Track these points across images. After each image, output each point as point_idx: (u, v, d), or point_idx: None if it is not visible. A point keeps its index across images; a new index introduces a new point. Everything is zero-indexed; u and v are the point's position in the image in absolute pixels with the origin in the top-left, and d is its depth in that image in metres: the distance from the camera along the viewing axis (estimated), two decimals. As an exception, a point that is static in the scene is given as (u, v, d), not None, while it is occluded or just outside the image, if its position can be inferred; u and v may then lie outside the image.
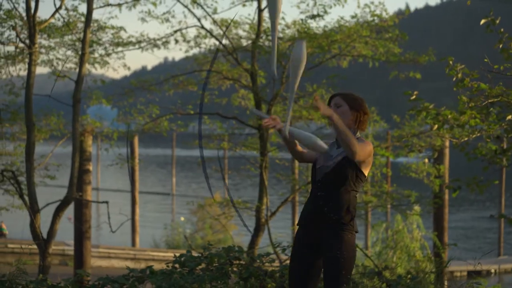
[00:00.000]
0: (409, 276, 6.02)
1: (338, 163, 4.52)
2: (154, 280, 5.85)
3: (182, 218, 25.67)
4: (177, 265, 6.16)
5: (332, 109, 4.52)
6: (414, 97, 7.35)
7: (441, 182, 11.43)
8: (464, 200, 36.66)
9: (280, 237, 17.44)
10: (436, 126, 7.40)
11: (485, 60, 6.54)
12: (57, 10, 10.16)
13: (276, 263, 6.79)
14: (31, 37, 9.90)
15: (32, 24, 9.89)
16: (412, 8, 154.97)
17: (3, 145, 12.58)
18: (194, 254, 6.25)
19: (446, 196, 13.32)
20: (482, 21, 7.32)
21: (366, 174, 4.61)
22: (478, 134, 7.49)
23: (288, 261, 9.93)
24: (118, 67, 12.96)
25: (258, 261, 6.13)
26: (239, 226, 21.79)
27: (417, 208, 12.37)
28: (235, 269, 6.07)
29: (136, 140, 24.49)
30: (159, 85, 12.52)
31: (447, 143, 12.16)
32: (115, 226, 11.64)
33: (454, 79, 7.23)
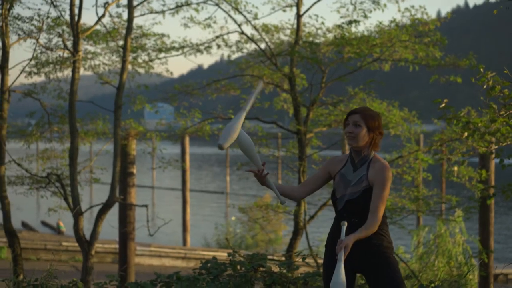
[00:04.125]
0: (432, 285, 6.03)
1: (362, 194, 4.54)
2: (179, 286, 6.02)
3: (233, 218, 25.87)
4: (203, 271, 6.32)
5: (351, 127, 4.56)
6: (443, 105, 7.34)
7: (482, 187, 11.29)
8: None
9: (318, 241, 17.51)
10: (465, 134, 7.38)
11: (505, 71, 6.49)
12: (99, 19, 10.44)
13: (303, 270, 6.87)
14: (75, 45, 10.18)
15: (76, 32, 10.17)
16: (471, 5, 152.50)
17: (52, 148, 12.98)
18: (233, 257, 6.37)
19: (492, 200, 13.13)
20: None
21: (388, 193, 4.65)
22: (510, 142, 7.43)
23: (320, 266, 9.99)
24: (161, 72, 13.22)
25: (282, 268, 6.24)
26: (289, 226, 21.88)
27: (459, 212, 12.27)
28: (258, 276, 6.19)
29: (187, 141, 24.81)
30: (202, 90, 12.70)
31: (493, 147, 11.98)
32: (167, 226, 11.85)
33: (484, 87, 7.19)
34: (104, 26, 11.28)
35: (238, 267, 6.15)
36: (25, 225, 28.00)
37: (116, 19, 11.74)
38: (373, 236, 4.53)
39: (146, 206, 10.43)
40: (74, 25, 10.14)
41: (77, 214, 10.10)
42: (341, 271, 4.10)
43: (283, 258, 8.91)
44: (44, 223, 29.48)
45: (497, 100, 7.30)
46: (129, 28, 10.14)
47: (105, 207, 10.20)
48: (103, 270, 15.46)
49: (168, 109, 15.17)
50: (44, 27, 11.32)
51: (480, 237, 13.07)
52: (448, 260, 11.60)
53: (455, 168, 10.50)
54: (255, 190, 40.98)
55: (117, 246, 19.48)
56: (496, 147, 7.43)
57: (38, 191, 11.96)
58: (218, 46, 12.68)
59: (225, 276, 6.25)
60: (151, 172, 43.24)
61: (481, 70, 7.28)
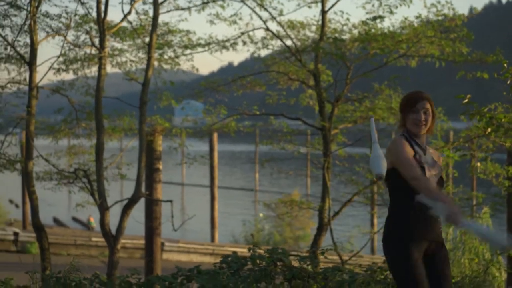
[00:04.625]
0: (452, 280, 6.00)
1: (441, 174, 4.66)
2: (199, 280, 6.08)
3: (261, 214, 25.90)
4: (223, 265, 6.37)
5: (423, 115, 4.55)
6: (466, 100, 7.31)
7: (509, 184, 11.16)
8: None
9: (343, 238, 17.44)
10: (489, 130, 7.34)
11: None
12: (125, 16, 10.54)
13: (323, 265, 6.90)
14: (101, 42, 10.29)
15: (102, 29, 10.28)
16: (504, 0, 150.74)
17: (80, 144, 13.14)
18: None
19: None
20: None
21: None
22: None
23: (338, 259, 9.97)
24: (187, 68, 13.31)
25: (301, 262, 6.27)
26: (317, 223, 21.82)
27: (486, 209, 12.15)
28: (278, 270, 6.23)
29: (215, 138, 24.90)
30: (227, 86, 12.76)
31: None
32: (195, 223, 11.88)
33: (508, 82, 7.15)
34: (130, 23, 11.38)
35: (258, 261, 6.19)
36: (56, 221, 28.36)
37: (142, 16, 11.84)
38: (440, 225, 4.62)
39: (171, 201, 10.52)
40: (100, 22, 10.23)
41: (103, 209, 10.21)
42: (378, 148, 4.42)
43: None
44: (75, 219, 29.78)
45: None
46: (155, 25, 10.22)
47: (131, 202, 10.30)
48: (132, 265, 15.58)
49: (195, 106, 15.25)
50: (72, 24, 11.46)
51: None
52: (472, 257, 11.50)
53: (478, 164, 10.41)
54: (283, 187, 40.95)
55: (145, 241, 19.65)
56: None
57: (66, 186, 12.11)
58: (244, 43, 12.75)
59: (246, 270, 6.30)
60: (180, 169, 43.45)
61: (505, 65, 7.24)
